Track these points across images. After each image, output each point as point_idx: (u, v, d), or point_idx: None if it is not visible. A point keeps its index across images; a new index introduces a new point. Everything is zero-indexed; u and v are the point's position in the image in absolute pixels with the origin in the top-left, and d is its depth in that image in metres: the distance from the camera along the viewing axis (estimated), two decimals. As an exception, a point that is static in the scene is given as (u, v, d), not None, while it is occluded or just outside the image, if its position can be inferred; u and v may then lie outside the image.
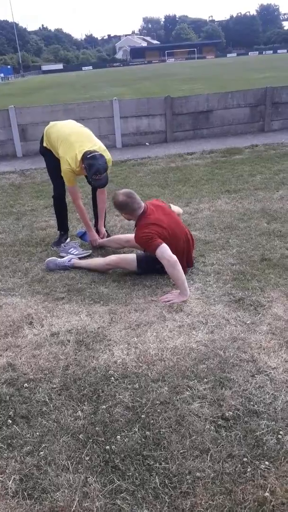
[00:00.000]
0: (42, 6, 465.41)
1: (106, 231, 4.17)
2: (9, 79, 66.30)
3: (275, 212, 4.57)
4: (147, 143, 9.23)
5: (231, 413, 2.00)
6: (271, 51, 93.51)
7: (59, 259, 3.66)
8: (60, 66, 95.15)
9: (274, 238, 3.91)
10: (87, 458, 1.82)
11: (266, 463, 1.75)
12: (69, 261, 3.63)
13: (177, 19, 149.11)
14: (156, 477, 1.72)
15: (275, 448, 1.81)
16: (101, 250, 3.98)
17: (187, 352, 2.44)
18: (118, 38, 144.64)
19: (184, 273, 3.05)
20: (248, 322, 2.69)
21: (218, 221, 4.41)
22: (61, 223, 4.25)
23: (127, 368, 2.34)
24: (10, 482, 1.74)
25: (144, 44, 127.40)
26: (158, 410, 2.03)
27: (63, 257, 3.73)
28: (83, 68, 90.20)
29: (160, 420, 1.98)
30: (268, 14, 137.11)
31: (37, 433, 1.96)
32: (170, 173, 6.64)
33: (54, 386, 2.25)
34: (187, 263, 3.34)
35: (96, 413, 2.05)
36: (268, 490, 1.64)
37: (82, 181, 4.23)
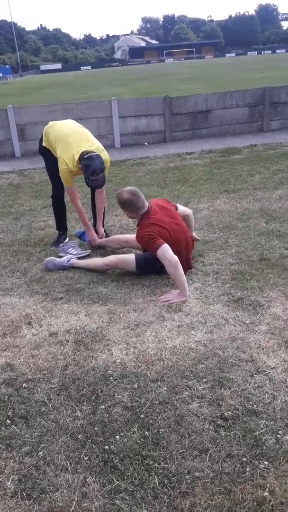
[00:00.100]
0: (40, 6, 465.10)
1: (105, 231, 4.17)
2: (8, 78, 66.29)
3: (274, 212, 4.57)
4: (146, 143, 9.22)
5: (230, 413, 2.00)
6: (270, 51, 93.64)
7: (57, 259, 3.66)
8: (58, 66, 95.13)
9: (273, 238, 3.91)
10: (86, 458, 1.82)
11: (265, 462, 1.75)
12: (68, 261, 3.62)
13: (175, 19, 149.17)
14: (155, 477, 1.71)
15: (274, 448, 1.81)
16: (100, 250, 3.97)
17: (186, 352, 2.44)
18: (116, 38, 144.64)
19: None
20: (247, 322, 2.69)
21: (217, 221, 4.41)
22: (60, 223, 4.24)
23: (126, 368, 2.34)
24: (9, 482, 1.74)
25: (143, 44, 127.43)
26: (157, 410, 2.03)
27: (61, 257, 3.72)
28: (81, 68, 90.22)
29: (159, 420, 1.98)
30: (267, 14, 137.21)
31: (36, 433, 1.96)
32: (169, 173, 6.64)
33: (53, 386, 2.24)
34: (186, 265, 3.34)
35: (95, 413, 2.04)
36: (267, 489, 1.64)
37: (81, 181, 4.22)
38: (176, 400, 2.09)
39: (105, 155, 3.69)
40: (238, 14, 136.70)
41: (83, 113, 8.69)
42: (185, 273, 3.07)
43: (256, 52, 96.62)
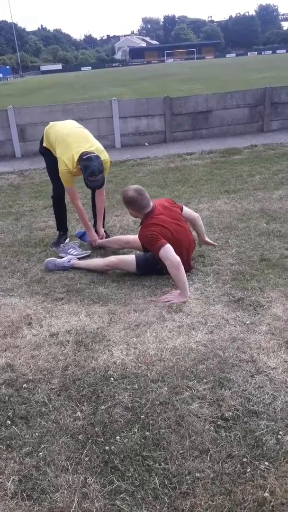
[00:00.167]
0: (41, 7, 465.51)
1: (105, 231, 4.17)
2: (8, 79, 66.35)
3: (274, 212, 4.57)
4: (146, 143, 9.23)
5: (230, 413, 1.99)
6: (270, 51, 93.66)
7: (58, 259, 3.66)
8: (59, 66, 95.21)
9: (273, 238, 3.91)
10: (87, 458, 1.82)
11: (266, 463, 1.75)
12: (68, 261, 3.62)
13: (176, 19, 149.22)
14: (156, 478, 1.71)
15: (275, 449, 1.81)
16: (100, 250, 3.97)
17: (186, 352, 2.44)
18: (117, 38, 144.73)
19: None
20: (247, 322, 2.69)
21: (217, 221, 4.41)
22: (60, 224, 4.24)
23: (127, 369, 2.34)
24: (9, 483, 1.74)
25: (143, 44, 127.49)
26: (158, 411, 2.03)
27: (62, 257, 3.72)
28: (82, 68, 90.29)
29: (160, 420, 1.98)
30: (267, 15, 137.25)
31: (36, 434, 1.96)
32: (169, 173, 6.64)
33: (53, 386, 2.24)
34: (186, 266, 3.33)
35: (96, 414, 2.04)
36: (267, 490, 1.64)
37: (81, 181, 4.22)
38: (177, 400, 2.09)
39: (104, 155, 3.69)
40: (238, 14, 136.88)
41: (84, 113, 8.69)
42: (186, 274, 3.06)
43: (257, 52, 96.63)
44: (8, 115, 8.60)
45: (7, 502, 1.66)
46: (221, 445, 1.84)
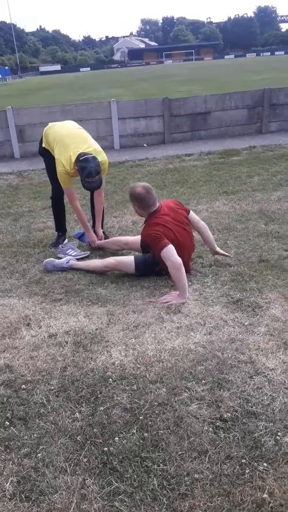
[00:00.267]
0: (40, 7, 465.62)
1: (104, 232, 4.17)
2: (7, 80, 66.33)
3: (273, 214, 4.58)
4: (145, 145, 9.23)
5: (229, 414, 1.99)
6: (269, 53, 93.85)
7: (57, 260, 3.66)
8: (58, 67, 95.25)
9: (272, 239, 3.91)
10: (85, 460, 1.82)
11: (265, 464, 1.75)
12: (67, 262, 3.62)
13: (175, 20, 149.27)
14: (154, 479, 1.71)
15: (273, 450, 1.81)
16: (99, 251, 3.97)
17: (185, 353, 2.44)
18: (116, 39, 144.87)
19: None
20: (246, 323, 2.69)
21: (216, 222, 4.42)
22: (59, 224, 4.24)
23: (125, 370, 2.34)
24: (8, 484, 1.73)
25: (142, 45, 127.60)
26: (156, 412, 2.03)
27: (61, 258, 3.72)
28: (81, 69, 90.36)
29: (158, 421, 1.98)
30: (266, 16, 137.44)
31: (34, 435, 1.95)
32: (168, 174, 6.65)
33: (52, 387, 2.24)
34: (186, 268, 3.32)
35: (94, 415, 2.04)
36: (266, 491, 1.64)
37: (79, 182, 4.21)
38: (175, 401, 2.08)
39: (102, 156, 3.69)
40: (237, 16, 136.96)
41: (82, 114, 8.69)
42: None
43: (255, 54, 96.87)
44: (7, 116, 8.60)
45: (5, 503, 1.66)
46: (220, 446, 1.84)
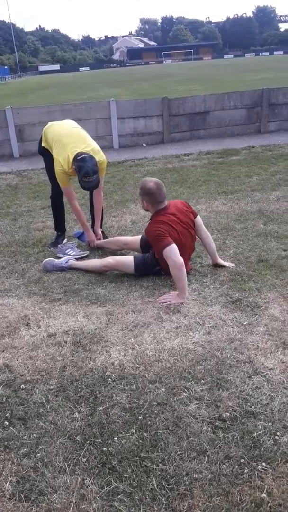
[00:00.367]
0: (39, 7, 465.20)
1: (103, 232, 4.17)
2: (6, 79, 66.25)
3: (272, 213, 4.58)
4: (144, 144, 9.23)
5: (228, 414, 2.00)
6: (268, 53, 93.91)
7: (56, 260, 3.66)
8: (57, 66, 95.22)
9: (270, 239, 3.92)
10: (84, 459, 1.82)
11: (263, 464, 1.75)
12: (66, 262, 3.62)
13: (174, 20, 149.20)
14: (154, 479, 1.71)
15: (272, 449, 1.81)
16: (98, 251, 3.97)
17: (184, 353, 2.44)
18: (115, 39, 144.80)
19: None
20: (245, 323, 2.70)
21: (215, 222, 4.42)
22: (58, 224, 4.24)
23: (124, 369, 2.34)
24: (7, 484, 1.73)
25: (141, 45, 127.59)
26: (155, 412, 2.03)
27: (60, 258, 3.72)
28: (80, 69, 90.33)
29: (157, 421, 1.98)
30: (265, 16, 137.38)
31: (34, 435, 1.95)
32: (167, 174, 6.64)
33: (51, 387, 2.24)
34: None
35: (93, 415, 2.04)
36: (265, 491, 1.64)
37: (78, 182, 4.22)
38: (174, 401, 2.09)
39: (101, 156, 3.69)
40: (236, 16, 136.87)
41: (82, 114, 8.69)
42: None
43: (254, 53, 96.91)
44: (6, 115, 8.59)
45: (4, 503, 1.66)
46: (219, 446, 1.84)
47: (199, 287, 3.18)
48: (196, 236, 3.37)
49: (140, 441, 1.88)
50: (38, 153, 4.06)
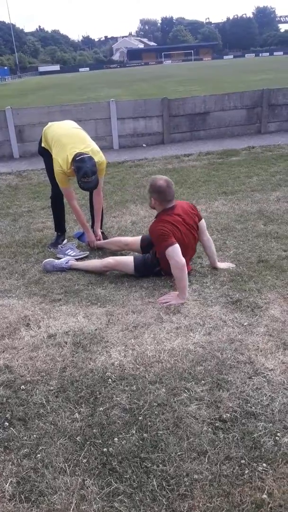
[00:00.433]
0: (38, 7, 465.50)
1: (103, 232, 4.17)
2: (6, 80, 66.25)
3: (272, 214, 4.58)
4: (144, 145, 9.23)
5: (228, 415, 2.00)
6: (268, 53, 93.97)
7: (56, 260, 3.65)
8: (57, 67, 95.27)
9: (271, 240, 3.92)
10: (85, 460, 1.82)
11: (264, 465, 1.75)
12: (66, 262, 3.62)
13: (174, 21, 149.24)
14: (154, 480, 1.71)
15: (273, 450, 1.81)
16: (98, 251, 3.97)
17: (184, 353, 2.44)
18: (115, 39, 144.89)
19: None
20: (245, 323, 2.69)
21: (215, 222, 4.42)
22: (58, 224, 4.24)
23: (125, 370, 2.34)
24: (7, 485, 1.73)
25: (141, 45, 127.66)
26: (156, 412, 2.03)
27: (60, 258, 3.72)
28: (80, 69, 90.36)
29: (158, 422, 1.98)
30: (264, 17, 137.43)
31: (34, 436, 1.95)
32: (167, 174, 6.60)
33: (51, 388, 2.24)
34: None
35: (94, 415, 2.04)
36: (265, 492, 1.64)
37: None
38: (175, 402, 2.09)
39: (100, 157, 3.69)
40: (236, 16, 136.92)
41: (82, 114, 8.69)
42: None
43: (254, 54, 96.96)
44: (6, 116, 8.59)
45: (5, 504, 1.66)
46: (219, 447, 1.84)
47: (199, 287, 3.18)
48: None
49: (141, 441, 1.88)
50: (38, 153, 4.06)
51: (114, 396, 2.15)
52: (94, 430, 1.95)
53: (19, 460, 1.84)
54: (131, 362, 2.39)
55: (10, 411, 2.09)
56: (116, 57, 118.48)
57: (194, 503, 1.62)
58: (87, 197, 4.39)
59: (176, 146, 8.91)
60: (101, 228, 4.15)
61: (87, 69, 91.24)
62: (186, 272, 2.99)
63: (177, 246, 2.98)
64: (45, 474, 1.76)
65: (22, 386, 2.26)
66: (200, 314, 2.83)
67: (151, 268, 3.33)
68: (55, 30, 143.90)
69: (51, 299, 3.17)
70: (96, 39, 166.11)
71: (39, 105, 11.86)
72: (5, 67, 79.74)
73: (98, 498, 1.66)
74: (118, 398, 2.13)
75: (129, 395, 2.15)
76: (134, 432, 1.93)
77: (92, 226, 4.12)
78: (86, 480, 1.73)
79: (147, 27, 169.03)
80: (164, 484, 1.69)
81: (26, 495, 1.69)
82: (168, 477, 1.72)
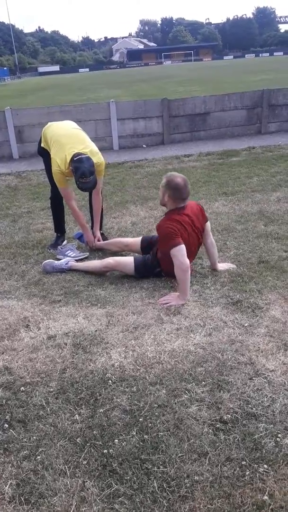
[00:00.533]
0: (38, 8, 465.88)
1: (103, 233, 4.16)
2: (5, 80, 66.30)
3: (272, 214, 4.58)
4: (144, 145, 9.23)
5: (229, 416, 1.99)
6: (268, 54, 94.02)
7: (56, 261, 3.65)
8: (56, 68, 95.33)
9: (271, 240, 3.91)
10: (85, 462, 1.81)
11: (265, 466, 1.74)
12: (66, 263, 3.61)
13: (174, 21, 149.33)
14: (154, 481, 1.70)
15: (274, 451, 1.80)
16: (98, 252, 3.96)
17: (185, 355, 2.43)
18: (115, 40, 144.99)
19: None
20: (246, 324, 2.69)
21: (215, 223, 4.41)
22: (58, 225, 4.23)
23: (125, 371, 2.33)
24: (7, 487, 1.72)
25: (141, 46, 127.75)
26: (156, 414, 2.02)
27: (60, 259, 3.71)
28: (79, 70, 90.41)
29: (158, 423, 1.97)
30: (264, 17, 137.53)
31: (34, 437, 1.94)
32: (167, 175, 6.63)
33: (51, 389, 2.23)
34: None
35: (94, 417, 2.03)
36: (267, 493, 1.63)
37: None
38: (175, 403, 2.08)
39: (99, 158, 3.68)
40: (236, 17, 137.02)
41: (81, 115, 8.68)
42: None
43: (254, 54, 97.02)
44: (5, 117, 8.59)
45: (5, 506, 1.65)
46: (220, 448, 1.83)
47: (200, 288, 3.17)
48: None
49: (141, 443, 1.87)
50: (38, 153, 4.05)
51: (114, 397, 2.14)
52: (94, 432, 1.94)
53: (19, 462, 1.83)
54: (131, 363, 2.39)
55: (9, 413, 2.09)
56: (116, 57, 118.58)
57: (195, 504, 1.61)
58: (87, 198, 4.38)
59: (176, 147, 8.90)
60: (101, 229, 4.15)
61: (87, 69, 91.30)
62: (189, 273, 2.98)
63: (183, 247, 2.97)
64: (45, 476, 1.76)
65: (22, 388, 2.25)
66: (201, 315, 2.82)
67: (151, 269, 3.32)
68: (54, 30, 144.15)
69: (51, 300, 3.16)
70: (96, 40, 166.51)
71: (39, 106, 11.85)
72: (5, 68, 79.79)
73: (99, 500, 1.65)
74: (118, 400, 2.12)
75: (129, 396, 2.14)
76: (134, 433, 1.92)
77: (92, 227, 4.12)
78: (86, 481, 1.72)
79: (147, 28, 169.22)
80: (165, 486, 1.68)
81: (26, 497, 1.68)
82: (169, 479, 1.71)
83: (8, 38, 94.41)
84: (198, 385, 2.19)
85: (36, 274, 3.60)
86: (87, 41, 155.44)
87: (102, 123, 8.93)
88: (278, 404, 2.04)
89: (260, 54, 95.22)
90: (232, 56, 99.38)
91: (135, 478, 1.72)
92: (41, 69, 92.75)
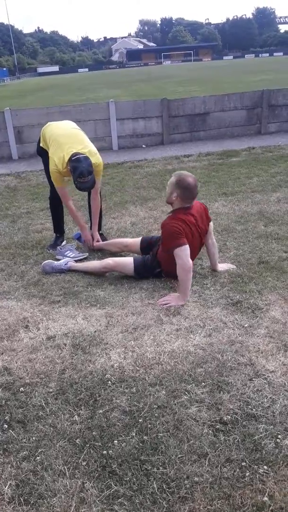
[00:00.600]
0: (37, 8, 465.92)
1: (102, 234, 4.15)
2: (5, 81, 66.27)
3: (272, 215, 4.57)
4: (143, 145, 9.23)
5: (229, 417, 1.99)
6: (267, 54, 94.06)
7: (55, 262, 3.64)
8: (56, 68, 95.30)
9: (271, 241, 3.91)
10: (84, 463, 1.80)
11: (265, 467, 1.74)
12: (65, 264, 3.61)
13: (173, 21, 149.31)
14: (154, 482, 1.70)
15: (274, 452, 1.80)
16: (98, 253, 3.96)
17: (184, 355, 2.43)
18: (114, 40, 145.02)
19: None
20: (245, 325, 2.68)
21: (215, 223, 4.40)
22: (57, 226, 4.23)
23: (124, 372, 2.32)
24: (6, 487, 1.72)
25: (141, 46, 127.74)
26: (156, 415, 2.02)
27: (59, 260, 3.71)
28: (79, 70, 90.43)
29: (158, 424, 1.97)
30: (264, 17, 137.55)
31: (33, 438, 1.94)
32: (166, 175, 6.63)
33: (51, 390, 2.23)
34: None
35: (93, 418, 2.03)
36: (266, 494, 1.63)
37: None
38: (175, 404, 2.07)
39: (97, 158, 3.67)
40: (235, 17, 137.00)
41: (81, 115, 8.68)
42: None
43: (254, 55, 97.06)
44: (5, 117, 8.58)
45: (4, 507, 1.65)
46: (220, 449, 1.83)
47: (200, 289, 3.17)
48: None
49: (140, 444, 1.87)
50: (37, 153, 4.05)
51: (114, 398, 2.14)
52: (94, 433, 1.94)
53: (18, 462, 1.83)
54: (130, 364, 2.38)
55: (9, 413, 2.08)
56: (115, 57, 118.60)
57: (194, 505, 1.61)
58: (86, 198, 4.38)
59: (175, 147, 8.90)
60: (100, 230, 4.14)
61: (86, 69, 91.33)
62: (191, 274, 2.98)
63: (187, 247, 2.97)
64: (44, 477, 1.75)
65: (21, 388, 2.25)
66: (200, 316, 2.82)
67: (151, 269, 3.32)
68: (54, 31, 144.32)
69: (50, 300, 3.16)
70: (95, 40, 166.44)
71: (38, 106, 11.85)
72: (4, 68, 79.72)
73: (98, 501, 1.65)
74: (117, 400, 2.12)
75: (129, 397, 2.14)
76: (134, 434, 1.92)
77: (90, 228, 4.11)
78: (86, 482, 1.72)
79: (146, 28, 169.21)
80: (165, 487, 1.68)
81: (26, 498, 1.68)
82: (169, 480, 1.71)
83: (8, 38, 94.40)
84: (198, 386, 2.19)
85: (35, 274, 3.60)
86: (86, 41, 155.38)
87: (101, 123, 8.92)
88: (278, 405, 2.04)
89: (260, 55, 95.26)
90: (232, 56, 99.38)
91: (134, 479, 1.72)
92: (41, 69, 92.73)
